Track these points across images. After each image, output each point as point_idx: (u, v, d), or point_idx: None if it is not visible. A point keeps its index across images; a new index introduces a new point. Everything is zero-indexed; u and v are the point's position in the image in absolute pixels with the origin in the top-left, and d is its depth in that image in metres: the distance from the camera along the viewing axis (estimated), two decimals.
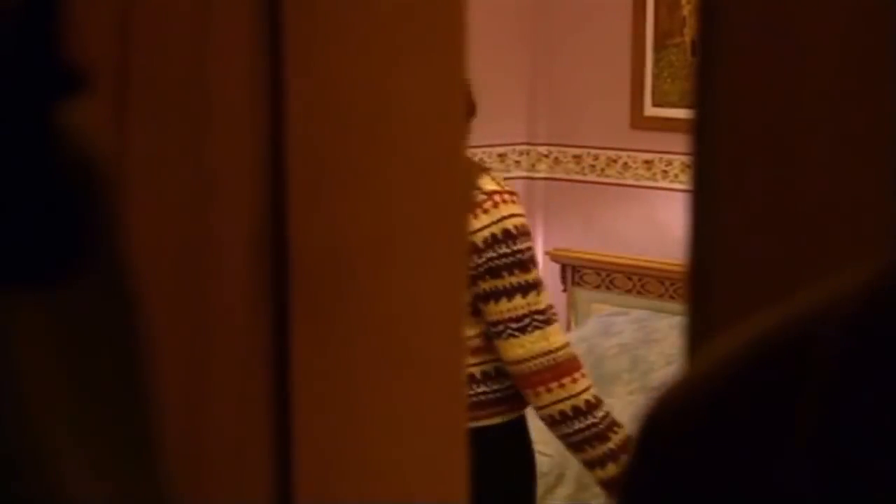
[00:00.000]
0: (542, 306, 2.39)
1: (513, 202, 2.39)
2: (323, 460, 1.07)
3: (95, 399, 0.58)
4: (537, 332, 2.38)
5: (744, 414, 0.55)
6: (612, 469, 2.43)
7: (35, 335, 0.55)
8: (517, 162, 4.80)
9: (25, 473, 0.54)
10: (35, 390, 0.55)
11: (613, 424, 2.44)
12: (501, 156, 4.73)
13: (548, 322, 2.39)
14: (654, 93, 4.49)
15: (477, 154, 4.06)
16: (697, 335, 0.96)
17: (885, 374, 0.51)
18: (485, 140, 4.18)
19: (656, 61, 4.46)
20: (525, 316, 2.37)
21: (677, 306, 4.26)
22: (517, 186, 3.31)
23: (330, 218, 1.05)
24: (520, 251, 2.37)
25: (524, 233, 2.39)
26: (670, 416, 0.59)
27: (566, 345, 2.43)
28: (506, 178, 3.16)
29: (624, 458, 2.04)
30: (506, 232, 2.35)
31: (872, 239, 0.85)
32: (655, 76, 4.47)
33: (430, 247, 1.11)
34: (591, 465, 2.47)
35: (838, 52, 0.89)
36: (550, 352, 2.38)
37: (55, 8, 0.53)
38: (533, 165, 4.83)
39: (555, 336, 2.40)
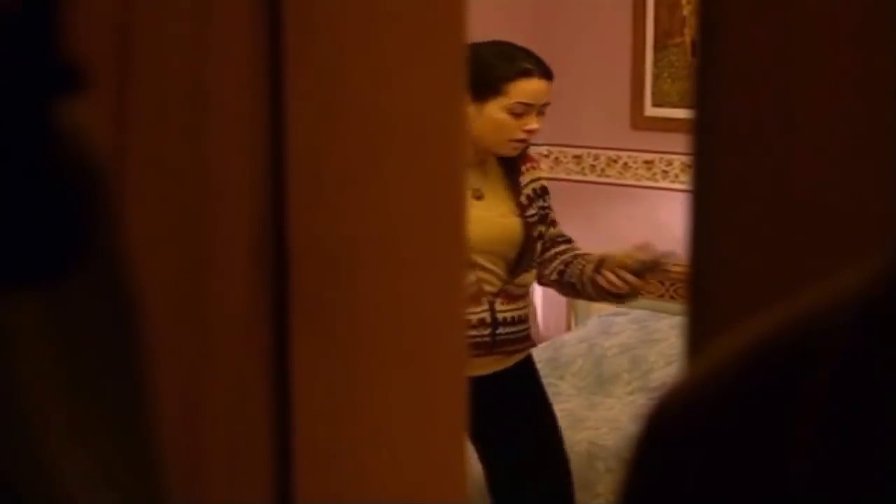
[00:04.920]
0: None
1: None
2: (323, 460, 1.07)
3: (95, 399, 0.58)
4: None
5: (745, 414, 0.55)
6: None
7: (34, 335, 0.55)
8: None
9: (25, 473, 0.53)
10: (34, 390, 0.55)
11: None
12: None
13: None
14: (654, 93, 4.49)
15: None
16: (698, 335, 0.96)
17: (886, 374, 0.51)
18: None
19: (656, 61, 4.46)
20: None
21: (677, 306, 4.26)
22: None
23: (330, 218, 1.05)
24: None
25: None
26: (671, 416, 0.59)
27: None
28: None
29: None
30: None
31: (872, 239, 0.85)
32: (655, 76, 4.47)
33: (430, 246, 1.11)
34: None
35: (839, 52, 0.89)
36: None
37: (54, 7, 0.53)
38: None
39: None
